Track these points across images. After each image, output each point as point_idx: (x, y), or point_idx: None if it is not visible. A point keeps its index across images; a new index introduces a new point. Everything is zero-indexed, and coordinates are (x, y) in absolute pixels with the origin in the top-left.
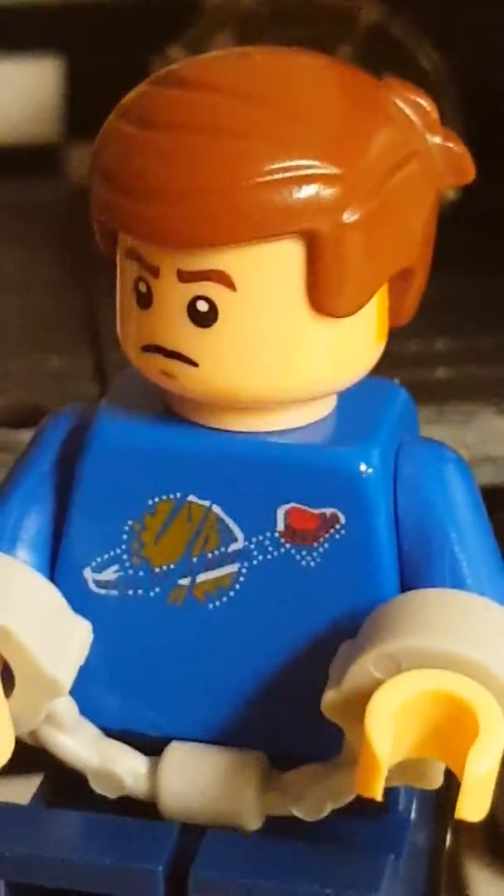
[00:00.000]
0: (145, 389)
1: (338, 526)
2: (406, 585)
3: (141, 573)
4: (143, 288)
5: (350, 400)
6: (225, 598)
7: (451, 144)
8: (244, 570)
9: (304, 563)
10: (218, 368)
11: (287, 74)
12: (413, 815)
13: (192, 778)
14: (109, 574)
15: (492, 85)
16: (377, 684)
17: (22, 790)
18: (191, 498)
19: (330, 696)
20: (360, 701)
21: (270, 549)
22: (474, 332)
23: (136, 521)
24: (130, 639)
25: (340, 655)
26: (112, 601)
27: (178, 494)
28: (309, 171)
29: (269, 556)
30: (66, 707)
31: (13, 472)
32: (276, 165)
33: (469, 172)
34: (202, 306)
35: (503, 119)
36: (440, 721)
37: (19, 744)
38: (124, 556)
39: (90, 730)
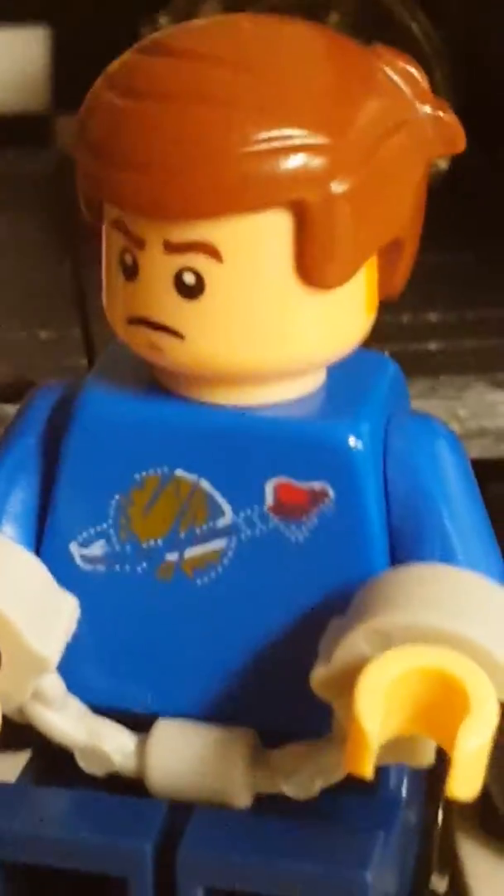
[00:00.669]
0: (133, 363)
1: (327, 500)
2: (396, 560)
3: (128, 548)
4: (128, 260)
5: (340, 373)
6: (213, 574)
7: (441, 114)
8: (232, 545)
9: (292, 537)
10: (205, 341)
11: (275, 43)
12: (404, 792)
13: (181, 755)
14: (96, 549)
15: (483, 54)
16: (367, 660)
17: (10, 768)
18: (178, 472)
19: (319, 673)
20: (349, 677)
21: (259, 523)
22: (466, 305)
23: (124, 495)
24: (118, 614)
25: (330, 631)
26: (99, 576)
27: (166, 469)
28: (297, 141)
29: (257, 531)
30: (53, 684)
31: None
32: (264, 135)
33: (459, 142)
34: (189, 278)
35: (494, 89)
36: (430, 698)
37: (7, 721)
38: (111, 531)
39: (77, 706)
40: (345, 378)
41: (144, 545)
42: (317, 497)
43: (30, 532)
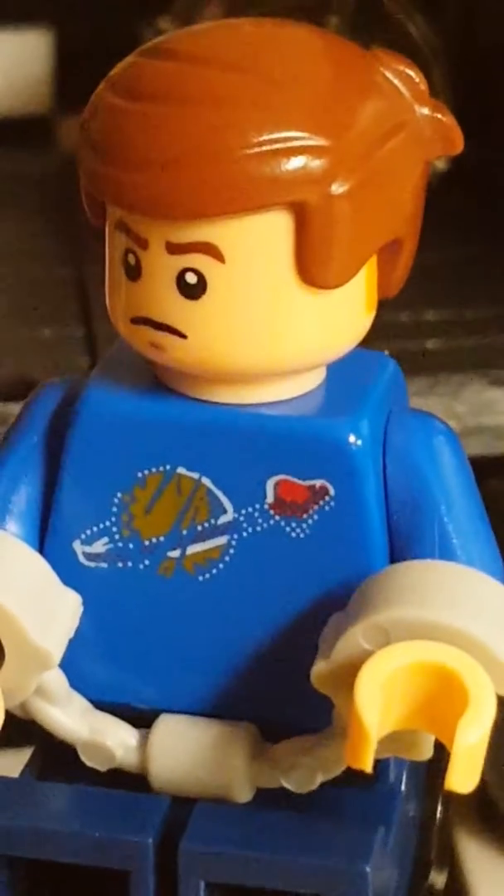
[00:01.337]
0: (135, 361)
1: (327, 497)
2: (395, 556)
3: (130, 545)
4: (131, 260)
5: (339, 371)
6: (214, 570)
7: (439, 115)
8: (234, 542)
9: (293, 534)
10: (207, 340)
11: (275, 45)
12: (403, 786)
13: (182, 750)
14: (99, 546)
15: (480, 55)
16: (366, 655)
17: (12, 763)
18: (180, 470)
19: (319, 668)
20: (349, 672)
21: (260, 520)
22: (464, 303)
23: (126, 493)
24: (120, 611)
25: (330, 627)
26: (101, 573)
27: (168, 466)
28: (297, 143)
29: (258, 528)
30: (56, 679)
31: (2, 444)
32: (265, 137)
33: (457, 143)
34: (191, 278)
35: (492, 89)
36: (430, 692)
37: (10, 716)
38: (114, 529)
39: (80, 702)
40: (344, 376)
41: (147, 542)
42: (317, 494)
43: (33, 529)
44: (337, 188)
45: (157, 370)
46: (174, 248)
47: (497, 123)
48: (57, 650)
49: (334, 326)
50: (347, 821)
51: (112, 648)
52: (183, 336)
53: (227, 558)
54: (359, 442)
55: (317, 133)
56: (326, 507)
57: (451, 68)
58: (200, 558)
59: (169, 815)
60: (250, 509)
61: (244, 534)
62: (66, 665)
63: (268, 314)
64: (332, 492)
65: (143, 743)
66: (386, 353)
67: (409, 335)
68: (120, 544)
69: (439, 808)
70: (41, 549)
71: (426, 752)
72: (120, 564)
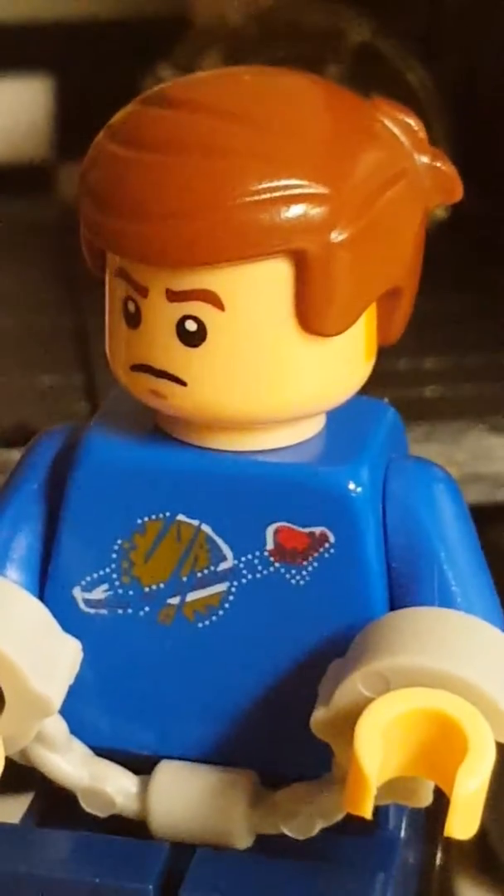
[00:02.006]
0: (135, 408)
1: (327, 545)
2: (395, 604)
3: (130, 592)
4: (131, 307)
5: (339, 419)
6: (214, 617)
7: (439, 164)
8: (233, 589)
9: (293, 581)
10: (207, 388)
11: (275, 94)
12: (403, 832)
13: (182, 797)
14: (99, 593)
15: (480, 103)
16: (366, 703)
17: (13, 809)
18: (180, 517)
19: (319, 715)
20: (349, 719)
21: (260, 567)
22: (463, 351)
23: (126, 539)
24: (120, 658)
25: (330, 674)
26: (101, 620)
27: (168, 513)
28: (297, 191)
29: (258, 575)
30: (56, 726)
31: (3, 490)
32: (265, 185)
33: (457, 192)
34: (191, 326)
35: (491, 137)
36: (429, 739)
37: (10, 763)
38: (114, 576)
39: (80, 749)
40: (344, 424)
41: (147, 589)
42: (317, 541)
43: (33, 576)
44: (336, 236)
45: (157, 417)
46: (174, 296)
47: (496, 172)
48: (57, 697)
49: (334, 374)
50: (347, 867)
51: (112, 695)
52: (183, 383)
53: (226, 605)
54: (358, 489)
55: (316, 181)
56: (326, 555)
57: (451, 116)
58: (200, 605)
59: (169, 861)
60: (250, 556)
61: (244, 580)
62: (66, 711)
63: (267, 362)
64: (331, 539)
65: (144, 790)
66: (385, 400)
67: (408, 383)
68: (120, 591)
69: (439, 854)
70: (41, 596)
71: (426, 799)
72: (120, 611)
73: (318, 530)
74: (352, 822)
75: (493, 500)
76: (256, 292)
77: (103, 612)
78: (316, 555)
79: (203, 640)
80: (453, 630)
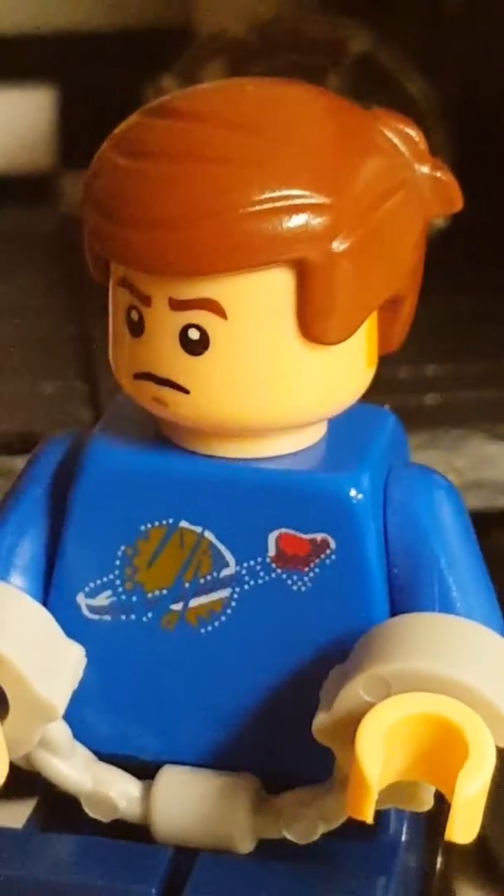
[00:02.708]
0: (138, 416)
1: (328, 551)
2: (396, 609)
3: (134, 598)
4: (135, 316)
5: (340, 426)
6: (217, 623)
7: (439, 174)
8: (236, 595)
9: (294, 587)
10: (209, 396)
11: (277, 105)
12: (404, 837)
13: (185, 801)
14: (102, 599)
15: (480, 113)
16: (367, 707)
17: (16, 814)
18: (183, 524)
19: (321, 720)
20: (350, 724)
21: (262, 574)
22: (464, 358)
23: (129, 546)
24: (123, 663)
25: (331, 679)
26: (105, 626)
27: (171, 520)
28: (299, 201)
29: (260, 581)
30: (60, 731)
31: (7, 497)
32: (267, 195)
33: (457, 202)
34: (194, 334)
35: (491, 146)
36: (430, 744)
37: (13, 767)
38: (117, 582)
39: (84, 753)
40: (346, 431)
41: (150, 595)
42: (318, 548)
43: (38, 583)
44: (338, 245)
45: (160, 424)
46: (177, 305)
47: (496, 181)
48: (61, 702)
49: (336, 382)
50: (349, 872)
51: (115, 700)
52: (185, 391)
53: (229, 611)
54: (360, 496)
55: (318, 191)
56: (328, 561)
57: (451, 126)
58: (203, 611)
59: (172, 865)
60: (252, 562)
61: (246, 587)
62: (69, 717)
63: (270, 370)
64: (333, 545)
65: (146, 794)
66: (386, 407)
67: (409, 390)
68: (123, 597)
69: (440, 859)
70: (45, 602)
71: (427, 803)
72: (123, 617)
73: (319, 537)
74: (353, 826)
75: (494, 506)
76: (258, 301)
77: (107, 617)
78: (317, 561)
79: (206, 646)
80: (454, 635)
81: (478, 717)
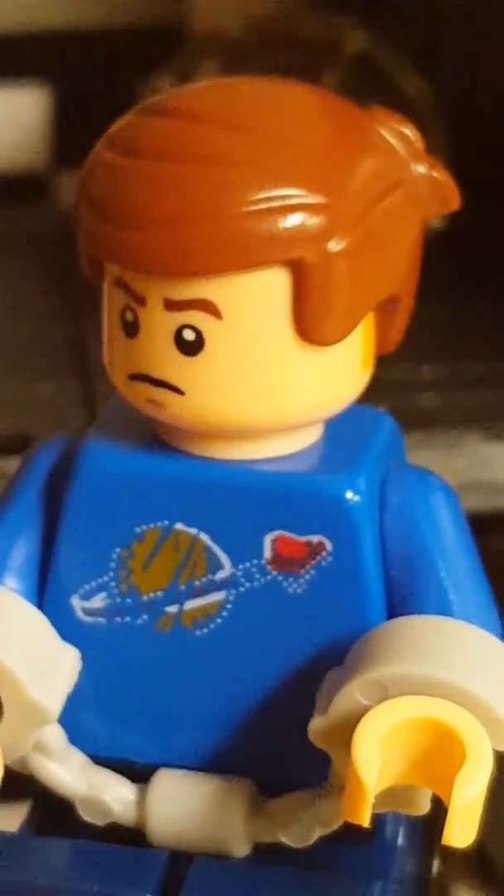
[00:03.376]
0: (133, 417)
1: (324, 553)
2: (392, 612)
3: (129, 601)
4: (129, 317)
5: (337, 427)
6: (212, 626)
7: (435, 174)
8: (231, 598)
9: (290, 590)
10: (205, 397)
11: (273, 104)
12: (401, 841)
13: (180, 805)
14: (97, 601)
15: (476, 112)
16: (364, 711)
17: (10, 818)
18: (178, 526)
19: (317, 723)
20: (346, 728)
21: (257, 576)
22: (460, 359)
23: (124, 548)
24: (118, 666)
25: (327, 682)
26: (100, 629)
27: (166, 522)
28: (295, 201)
29: (255, 584)
30: (55, 734)
31: (1, 499)
32: (262, 195)
33: (453, 201)
34: (189, 335)
35: (488, 146)
36: (427, 747)
37: (8, 771)
38: (112, 584)
39: (78, 757)
40: (342, 432)
41: (145, 598)
42: (314, 550)
43: (32, 585)
44: (334, 246)
45: (156, 426)
46: (172, 306)
47: (493, 181)
48: (55, 705)
49: (332, 383)
50: (345, 876)
51: (110, 704)
52: (181, 392)
53: (224, 613)
54: (356, 498)
55: (314, 191)
56: (324, 563)
57: (448, 125)
58: (198, 613)
59: (167, 870)
60: (248, 565)
61: (241, 589)
62: (64, 720)
63: (265, 371)
64: (329, 548)
65: (142, 798)
66: (382, 408)
67: (405, 390)
68: (118, 599)
69: (436, 863)
70: (40, 605)
71: (423, 807)
72: (118, 619)
73: (315, 539)
74: (350, 830)
75: (491, 507)
76: (254, 301)
77: (101, 620)
78: (313, 563)
79: (201, 649)
80: (451, 639)
81: (475, 721)
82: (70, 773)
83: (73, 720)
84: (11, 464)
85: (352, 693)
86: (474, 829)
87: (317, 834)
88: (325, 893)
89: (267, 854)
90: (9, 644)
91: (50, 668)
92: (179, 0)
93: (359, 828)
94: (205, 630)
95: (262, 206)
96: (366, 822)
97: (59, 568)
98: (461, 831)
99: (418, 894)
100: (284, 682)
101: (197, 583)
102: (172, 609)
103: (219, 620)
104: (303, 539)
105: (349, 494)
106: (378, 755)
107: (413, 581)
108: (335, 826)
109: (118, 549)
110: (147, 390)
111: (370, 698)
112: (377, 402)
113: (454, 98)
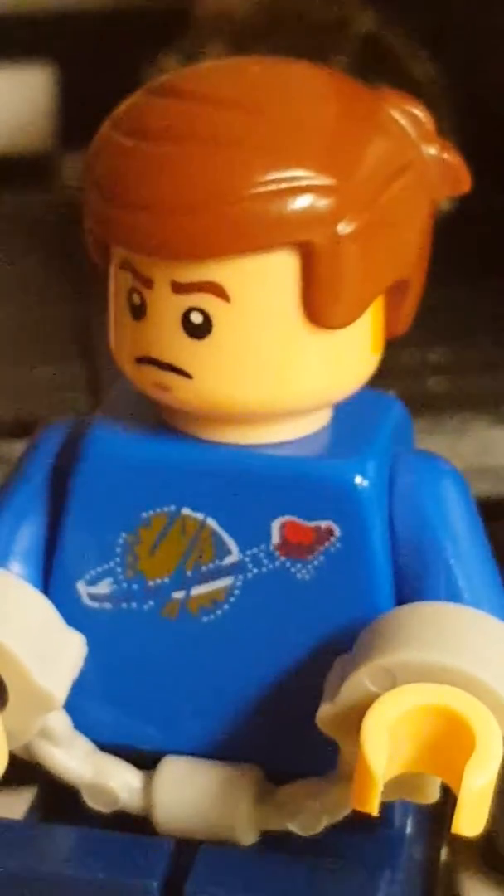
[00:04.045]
0: (139, 401)
1: (333, 539)
2: (401, 598)
3: (135, 586)
4: (136, 300)
5: (345, 412)
6: (219, 612)
7: (446, 155)
8: (238, 584)
9: (298, 576)
10: (212, 380)
11: (281, 85)
12: (409, 829)
13: (187, 792)
14: (103, 587)
15: (486, 94)
16: (373, 698)
17: (16, 805)
18: (185, 511)
19: (325, 710)
20: (355, 715)
21: (265, 562)
22: (469, 343)
23: (130, 533)
24: (124, 652)
25: (336, 669)
26: (106, 614)
27: (173, 507)
28: (304, 182)
29: (263, 570)
30: (60, 721)
31: (6, 484)
32: (271, 176)
33: (465, 183)
34: (196, 318)
35: (498, 128)
36: (436, 735)
37: (13, 758)
38: (118, 570)
39: (84, 744)
40: (350, 417)
41: (151, 583)
42: (323, 535)
43: (37, 570)
44: (343, 228)
45: (162, 410)
46: (179, 288)
47: (503, 163)
48: (60, 691)
49: (340, 367)
50: (353, 864)
51: (116, 690)
52: (188, 376)
53: (231, 600)
54: (365, 483)
55: (323, 172)
56: (332, 549)
57: (458, 107)
58: (205, 599)
59: (173, 857)
60: (255, 550)
61: (249, 575)
62: (70, 706)
63: (273, 354)
64: (337, 533)
65: (148, 785)
66: (390, 392)
67: (413, 375)
68: (124, 585)
69: (445, 851)
70: (45, 590)
71: (432, 796)
72: (124, 605)
73: (323, 524)
74: (358, 818)
75: (499, 492)
76: (262, 284)
77: (107, 606)
78: (322, 549)
79: (208, 635)
80: (460, 625)
81: (485, 709)
82: (75, 759)
83: (79, 706)
84: (15, 448)
85: (360, 680)
86: (484, 817)
87: (325, 822)
88: (332, 881)
89: (274, 842)
90: (14, 630)
91: (55, 653)
92: None
93: (367, 816)
94: (211, 616)
95: (271, 187)
96: (374, 810)
97: (64, 553)
98: (470, 820)
99: (426, 883)
100: (292, 669)
101: (204, 568)
102: (179, 595)
103: (226, 607)
104: (311, 524)
105: (358, 479)
106: (387, 743)
107: (422, 567)
108: (343, 814)
109: (124, 535)
110: (154, 374)
111: (379, 685)
112: (384, 387)
113: (462, 80)
